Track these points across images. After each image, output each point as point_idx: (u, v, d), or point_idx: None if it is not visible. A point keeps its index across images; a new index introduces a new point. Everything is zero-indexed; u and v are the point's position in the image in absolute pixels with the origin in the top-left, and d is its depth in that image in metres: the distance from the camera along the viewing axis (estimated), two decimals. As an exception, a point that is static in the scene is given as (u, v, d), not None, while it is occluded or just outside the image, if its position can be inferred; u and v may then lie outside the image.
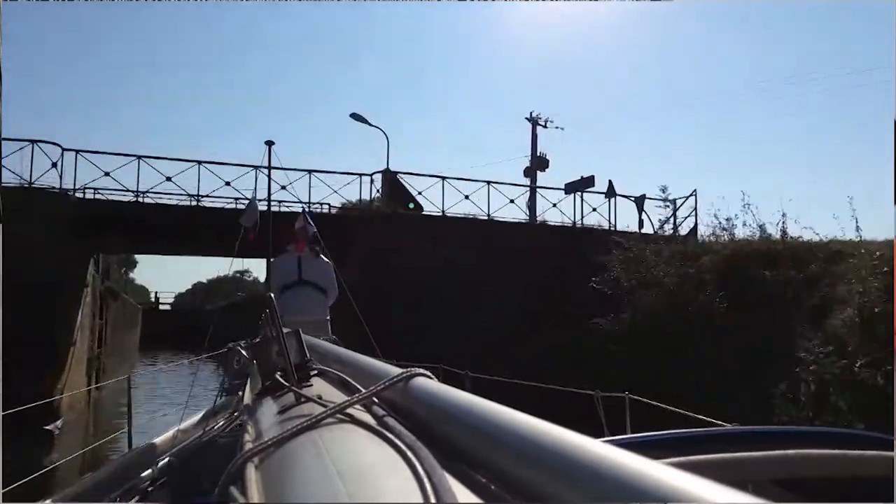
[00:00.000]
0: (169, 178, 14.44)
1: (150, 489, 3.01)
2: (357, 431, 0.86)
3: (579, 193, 17.26)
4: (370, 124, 20.60)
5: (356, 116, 20.59)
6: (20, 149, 12.89)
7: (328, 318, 5.32)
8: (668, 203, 17.18)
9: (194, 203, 14.83)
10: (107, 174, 14.00)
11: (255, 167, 11.30)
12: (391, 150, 19.42)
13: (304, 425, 0.89)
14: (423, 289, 12.91)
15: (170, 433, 3.61)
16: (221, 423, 3.34)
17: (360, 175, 15.80)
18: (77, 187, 13.77)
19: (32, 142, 13.12)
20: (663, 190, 17.35)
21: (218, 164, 14.88)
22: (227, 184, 14.63)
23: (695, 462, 0.85)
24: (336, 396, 1.13)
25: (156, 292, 53.17)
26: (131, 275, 52.83)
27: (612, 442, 0.55)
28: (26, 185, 12.91)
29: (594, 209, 17.04)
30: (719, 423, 3.37)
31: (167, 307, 54.29)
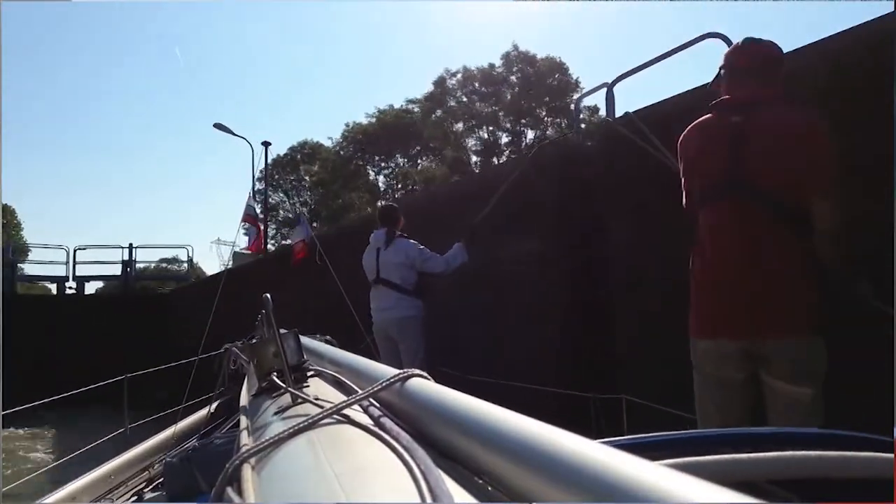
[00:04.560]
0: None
1: (146, 490, 3.01)
2: (354, 432, 0.86)
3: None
4: (235, 134, 19.07)
5: (219, 126, 19.18)
6: None
7: (415, 314, 5.05)
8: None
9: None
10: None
11: None
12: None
13: (301, 426, 0.89)
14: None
15: (166, 433, 3.61)
16: (218, 424, 3.34)
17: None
18: None
19: None
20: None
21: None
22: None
23: (693, 463, 0.85)
24: (333, 397, 1.13)
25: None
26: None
27: (608, 443, 0.55)
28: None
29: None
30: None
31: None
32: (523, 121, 31.04)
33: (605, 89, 5.15)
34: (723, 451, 0.91)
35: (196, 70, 59.66)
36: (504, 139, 31.76)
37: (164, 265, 28.49)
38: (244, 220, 12.98)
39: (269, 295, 1.53)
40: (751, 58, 2.60)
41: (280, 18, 58.33)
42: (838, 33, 3.26)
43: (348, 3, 46.05)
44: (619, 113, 4.82)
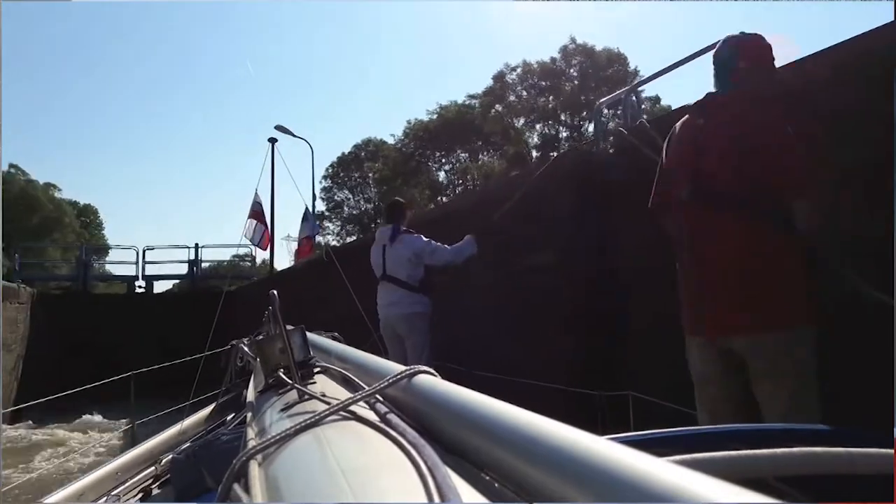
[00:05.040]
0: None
1: (152, 487, 3.02)
2: (360, 429, 0.86)
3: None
4: (294, 135, 19.25)
5: (280, 128, 19.09)
6: None
7: (421, 310, 5.06)
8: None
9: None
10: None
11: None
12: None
13: (308, 423, 0.89)
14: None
15: (173, 430, 3.62)
16: (225, 421, 3.34)
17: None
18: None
19: None
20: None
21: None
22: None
23: (699, 460, 0.85)
24: (339, 394, 1.13)
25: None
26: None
27: (616, 439, 0.55)
28: None
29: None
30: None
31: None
32: (582, 114, 30.48)
33: (628, 95, 5.18)
34: (728, 447, 0.91)
35: (262, 73, 60.54)
36: (563, 133, 31.45)
37: (236, 260, 28.71)
38: (251, 216, 12.92)
39: (275, 291, 1.53)
40: (716, 56, 2.63)
41: (340, 20, 58.97)
42: (839, 43, 3.25)
43: (408, 2, 46.18)
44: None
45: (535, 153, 30.96)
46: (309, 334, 1.54)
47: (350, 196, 35.41)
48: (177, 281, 25.01)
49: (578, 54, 30.59)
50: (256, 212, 13.34)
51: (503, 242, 5.54)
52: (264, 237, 13.86)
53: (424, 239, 5.11)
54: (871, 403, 2.13)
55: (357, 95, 59.36)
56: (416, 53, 58.02)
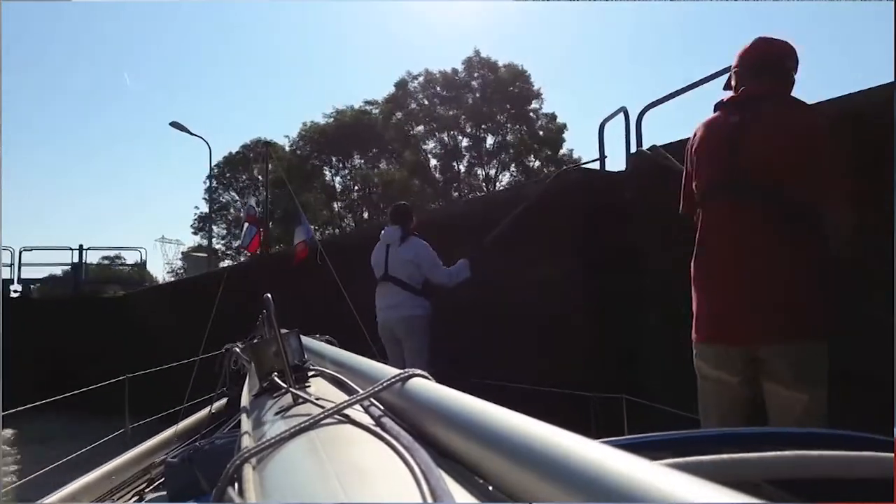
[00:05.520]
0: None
1: (147, 490, 3.02)
2: (354, 432, 0.86)
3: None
4: (191, 133, 19.58)
5: (176, 125, 19.70)
6: None
7: (421, 313, 5.01)
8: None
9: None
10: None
11: None
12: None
13: (302, 426, 0.89)
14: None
15: (167, 433, 3.62)
16: (219, 424, 3.34)
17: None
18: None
19: None
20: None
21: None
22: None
23: (692, 463, 0.85)
24: (333, 397, 1.13)
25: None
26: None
27: (608, 443, 0.55)
28: None
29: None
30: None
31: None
32: (483, 126, 30.34)
33: (623, 114, 5.18)
34: (723, 450, 0.91)
35: (154, 68, 58.39)
36: (465, 143, 30.95)
37: (105, 262, 27.58)
38: (246, 219, 13.04)
39: (269, 295, 1.52)
40: (753, 55, 2.57)
41: (237, 16, 57.27)
42: (843, 96, 3.25)
43: (308, 1, 45.12)
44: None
45: (434, 161, 30.74)
46: (303, 338, 1.54)
47: (238, 198, 32.91)
48: (38, 286, 22.49)
49: (482, 67, 30.23)
50: (251, 215, 13.46)
51: (502, 255, 5.55)
52: (256, 238, 13.84)
53: (431, 249, 5.09)
54: (871, 406, 2.13)
55: (254, 95, 57.37)
56: (316, 54, 56.27)
